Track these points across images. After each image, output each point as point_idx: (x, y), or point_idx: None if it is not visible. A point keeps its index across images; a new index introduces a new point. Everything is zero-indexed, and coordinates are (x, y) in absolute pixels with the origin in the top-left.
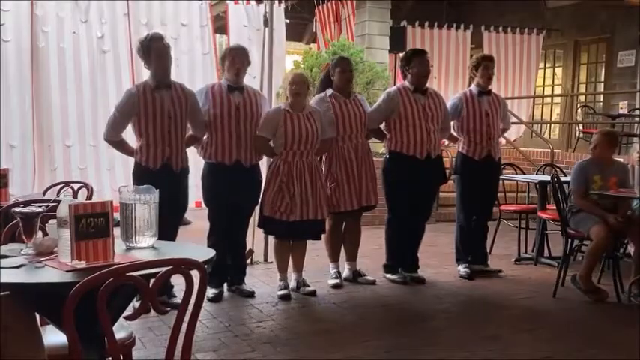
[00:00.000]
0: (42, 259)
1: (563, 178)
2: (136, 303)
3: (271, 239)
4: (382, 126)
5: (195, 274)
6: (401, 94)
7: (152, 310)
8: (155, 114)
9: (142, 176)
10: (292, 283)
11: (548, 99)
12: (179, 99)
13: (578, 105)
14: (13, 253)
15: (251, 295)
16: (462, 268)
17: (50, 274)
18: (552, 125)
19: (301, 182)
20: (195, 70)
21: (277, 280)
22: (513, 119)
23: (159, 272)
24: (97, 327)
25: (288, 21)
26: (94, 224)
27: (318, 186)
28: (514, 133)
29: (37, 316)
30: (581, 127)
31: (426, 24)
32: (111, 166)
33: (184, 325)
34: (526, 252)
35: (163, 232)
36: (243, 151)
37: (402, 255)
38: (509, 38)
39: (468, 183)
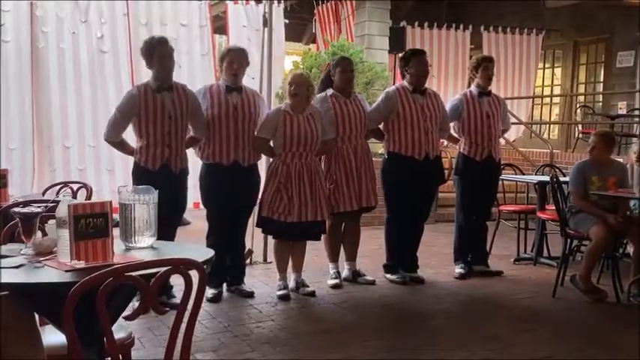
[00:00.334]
0: (41, 259)
1: (562, 179)
2: (135, 303)
3: (271, 239)
4: (380, 126)
5: (194, 275)
6: (400, 94)
7: (151, 311)
8: (155, 115)
9: (141, 176)
10: (291, 284)
11: (548, 99)
12: (180, 100)
13: (578, 105)
14: (13, 253)
15: (250, 295)
16: (458, 269)
17: (49, 274)
18: (552, 125)
19: (300, 183)
20: (194, 71)
21: (277, 280)
22: (513, 119)
23: (158, 272)
24: (96, 327)
25: (287, 21)
26: (93, 224)
27: (317, 187)
28: (513, 133)
29: (37, 316)
30: (580, 128)
31: (426, 24)
32: (110, 166)
33: (183, 326)
34: (525, 252)
35: (162, 233)
36: (241, 151)
37: (402, 255)
38: (508, 38)
39: (469, 184)
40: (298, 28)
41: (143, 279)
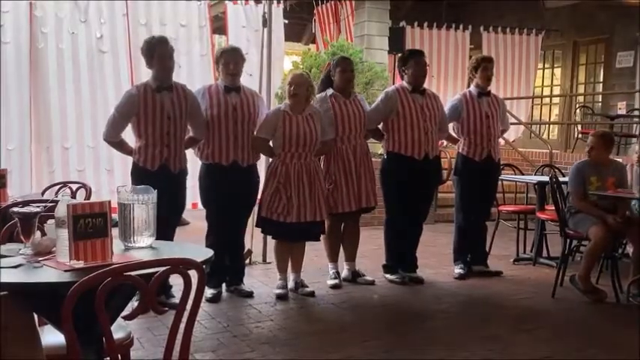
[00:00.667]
0: (40, 259)
1: (561, 179)
2: (134, 303)
3: (270, 240)
4: (380, 126)
5: (193, 275)
6: (399, 94)
7: (150, 311)
8: (154, 115)
9: (139, 176)
10: (290, 284)
11: (547, 99)
12: (179, 100)
13: (577, 105)
14: (12, 253)
15: (249, 295)
16: (457, 269)
17: (48, 274)
18: (551, 126)
19: (299, 184)
20: (193, 71)
21: (277, 279)
22: (512, 120)
23: (157, 272)
24: (95, 327)
25: (286, 21)
26: (92, 224)
27: (316, 187)
28: (513, 133)
29: (36, 316)
30: (580, 128)
31: (425, 24)
32: (109, 167)
33: (182, 326)
34: (525, 252)
35: (161, 233)
36: (240, 151)
37: (401, 255)
38: (508, 39)
39: (468, 184)
40: (298, 28)
41: (142, 279)
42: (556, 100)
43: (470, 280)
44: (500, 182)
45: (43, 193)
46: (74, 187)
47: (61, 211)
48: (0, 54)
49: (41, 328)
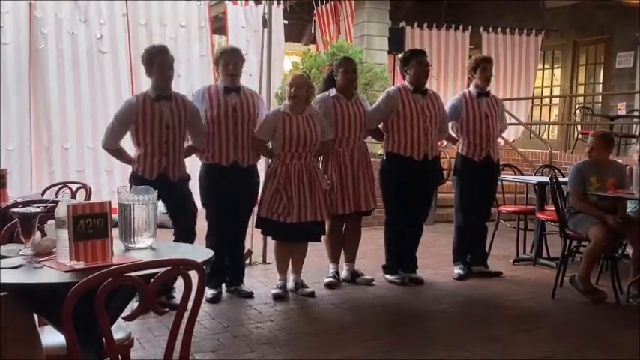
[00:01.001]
0: (40, 259)
1: (561, 179)
2: (134, 303)
3: (270, 240)
4: (380, 126)
5: (193, 275)
6: (400, 94)
7: (150, 311)
8: (153, 124)
9: (137, 184)
10: (290, 284)
11: (547, 100)
12: (178, 110)
13: (577, 106)
14: (12, 253)
15: (249, 295)
16: (457, 270)
17: (49, 274)
18: (551, 126)
19: (299, 184)
20: (192, 71)
21: (276, 280)
22: (512, 120)
23: (157, 273)
24: (95, 327)
25: (286, 22)
26: (92, 225)
27: (316, 188)
28: (513, 134)
29: (36, 316)
30: (579, 128)
31: (425, 25)
32: (109, 168)
33: (183, 326)
34: (525, 253)
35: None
36: (241, 152)
37: (401, 256)
38: (507, 39)
39: (468, 184)
40: (297, 29)
41: (142, 279)
42: (556, 100)
43: (470, 280)
44: (500, 183)
45: (43, 194)
46: (74, 187)
47: (61, 211)
48: (0, 54)
49: (41, 328)
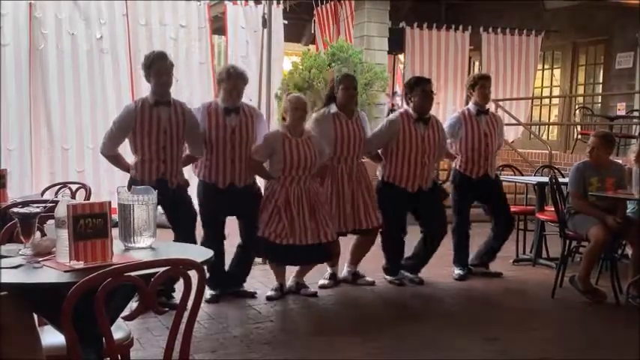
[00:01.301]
0: (40, 259)
1: (561, 180)
2: (133, 303)
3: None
4: (379, 151)
5: (193, 275)
6: (403, 121)
7: (150, 311)
8: (151, 130)
9: None
10: (291, 284)
11: (547, 100)
12: (177, 116)
13: (577, 106)
14: (11, 253)
15: (250, 295)
16: (457, 270)
17: (48, 274)
18: (550, 126)
19: (299, 207)
20: (192, 72)
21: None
22: (512, 120)
23: (157, 273)
24: (95, 327)
25: (286, 22)
26: (92, 225)
27: (318, 209)
28: (512, 134)
29: (35, 316)
30: (579, 129)
31: (425, 25)
32: (109, 167)
33: (182, 326)
34: (524, 253)
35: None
36: (237, 174)
37: (401, 256)
38: (507, 39)
39: (465, 197)
40: (297, 29)
41: (142, 279)
42: (555, 101)
43: (470, 280)
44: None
45: (42, 194)
46: (74, 187)
47: (61, 211)
48: (0, 55)
49: (41, 328)
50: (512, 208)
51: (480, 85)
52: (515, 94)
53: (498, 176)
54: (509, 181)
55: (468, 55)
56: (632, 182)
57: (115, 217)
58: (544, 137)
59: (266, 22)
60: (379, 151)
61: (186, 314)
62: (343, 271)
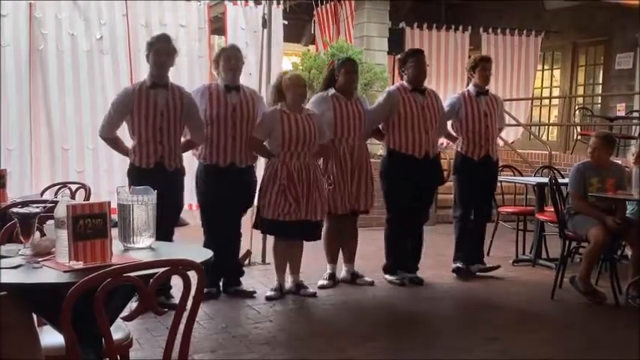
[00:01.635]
0: (39, 259)
1: (561, 180)
2: (133, 304)
3: (269, 241)
4: (380, 126)
5: (192, 275)
6: (400, 93)
7: (149, 311)
8: (148, 112)
9: (136, 176)
10: (291, 285)
11: (547, 101)
12: (174, 99)
13: (576, 107)
14: (11, 253)
15: (249, 295)
16: (456, 263)
17: (48, 274)
18: (550, 127)
19: (302, 184)
20: (192, 72)
21: (274, 281)
22: (512, 121)
23: (156, 273)
24: (94, 328)
25: (286, 22)
26: (91, 225)
27: (317, 187)
28: (512, 134)
29: (35, 316)
30: (579, 129)
31: (425, 25)
32: (109, 168)
33: (182, 327)
34: (524, 254)
35: (159, 233)
36: (238, 153)
37: (402, 256)
38: (507, 40)
39: (467, 182)
40: (297, 29)
41: (141, 280)
42: (555, 101)
43: (469, 281)
44: (499, 184)
45: (42, 194)
46: (73, 187)
47: (60, 211)
48: (0, 55)
49: (41, 328)
50: (512, 209)
51: (481, 67)
52: (515, 94)
53: (498, 160)
54: (509, 182)
55: (468, 55)
56: (631, 183)
57: (115, 217)
58: (544, 138)
59: (266, 23)
60: (380, 126)
61: (185, 314)
62: (342, 271)
